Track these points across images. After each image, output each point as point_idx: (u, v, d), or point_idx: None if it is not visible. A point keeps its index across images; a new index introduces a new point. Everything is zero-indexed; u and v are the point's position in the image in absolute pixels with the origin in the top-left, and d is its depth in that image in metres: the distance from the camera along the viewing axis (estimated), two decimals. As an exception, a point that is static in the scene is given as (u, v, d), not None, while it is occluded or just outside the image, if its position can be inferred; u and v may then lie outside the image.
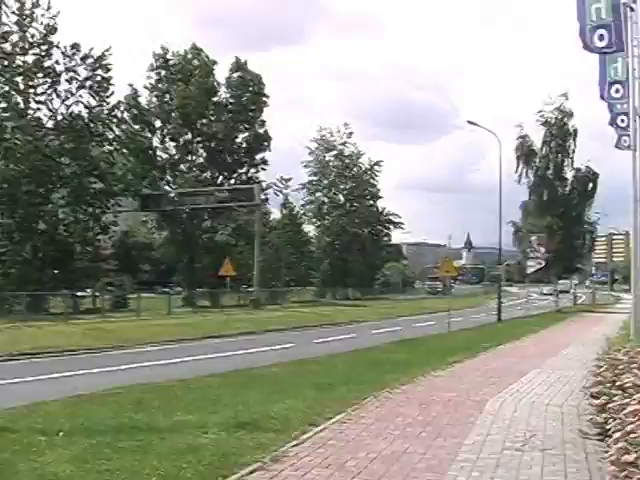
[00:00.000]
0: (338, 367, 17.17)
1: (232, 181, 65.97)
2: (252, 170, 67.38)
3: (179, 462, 7.69)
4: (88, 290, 51.88)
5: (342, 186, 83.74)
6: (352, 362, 18.35)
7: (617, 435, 6.06)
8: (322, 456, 8.10)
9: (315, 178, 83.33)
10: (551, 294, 68.30)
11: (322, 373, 15.83)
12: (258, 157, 67.31)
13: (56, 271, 49.16)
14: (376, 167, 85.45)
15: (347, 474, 7.37)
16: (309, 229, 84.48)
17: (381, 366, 17.14)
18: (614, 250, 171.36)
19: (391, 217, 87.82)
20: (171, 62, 63.65)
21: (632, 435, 5.58)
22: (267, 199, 68.97)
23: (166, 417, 10.41)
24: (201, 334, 29.88)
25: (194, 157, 65.55)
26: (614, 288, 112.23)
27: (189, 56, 64.07)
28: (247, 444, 8.58)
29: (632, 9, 15.89)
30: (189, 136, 64.32)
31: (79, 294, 49.31)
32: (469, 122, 49.42)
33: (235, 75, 66.24)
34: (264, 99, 66.96)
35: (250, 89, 65.81)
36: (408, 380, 14.38)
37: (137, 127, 61.29)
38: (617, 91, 18.95)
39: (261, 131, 66.83)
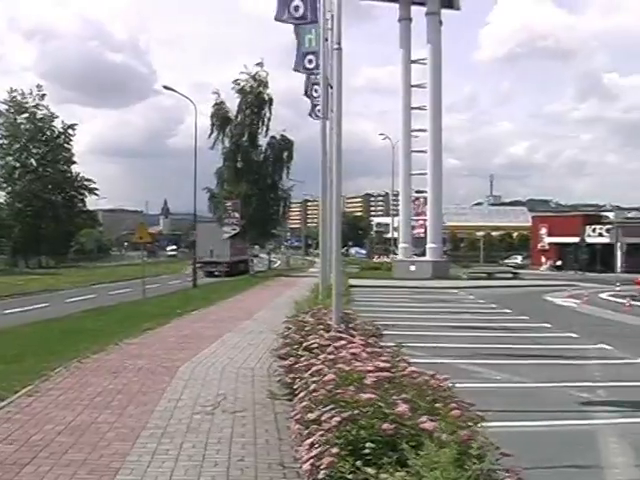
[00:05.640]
0: (28, 338, 16.54)
1: None
2: None
3: None
4: None
5: (34, 150, 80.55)
6: (43, 332, 17.80)
7: (302, 394, 6.26)
8: (6, 432, 7.82)
9: (5, 141, 79.46)
10: (246, 259, 69.48)
11: (10, 344, 15.18)
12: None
13: None
14: (70, 131, 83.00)
15: (33, 449, 7.16)
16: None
17: (73, 335, 16.70)
18: (308, 216, 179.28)
19: (86, 182, 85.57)
20: None
21: (315, 394, 5.77)
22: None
23: None
24: None
25: None
26: (309, 253, 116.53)
27: None
28: None
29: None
30: None
31: None
32: (165, 87, 49.47)
33: None
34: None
35: None
36: (100, 349, 14.17)
37: None
38: (310, 62, 19.67)
39: (-57, 89, 62.76)
